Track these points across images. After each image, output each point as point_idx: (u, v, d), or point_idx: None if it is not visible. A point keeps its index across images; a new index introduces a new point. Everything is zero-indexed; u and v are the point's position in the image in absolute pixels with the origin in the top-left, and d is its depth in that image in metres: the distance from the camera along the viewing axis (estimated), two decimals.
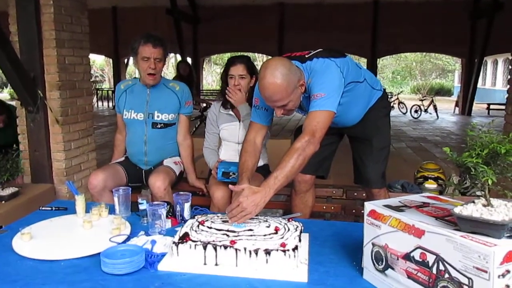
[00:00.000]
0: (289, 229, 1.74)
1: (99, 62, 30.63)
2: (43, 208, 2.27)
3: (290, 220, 1.86)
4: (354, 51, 15.44)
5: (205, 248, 1.58)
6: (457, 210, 1.30)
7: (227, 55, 29.94)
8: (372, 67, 15.91)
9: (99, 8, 15.07)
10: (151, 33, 2.72)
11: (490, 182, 1.20)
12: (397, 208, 1.53)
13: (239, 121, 2.78)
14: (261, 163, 2.83)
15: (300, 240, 1.66)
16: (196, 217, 1.90)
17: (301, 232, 1.75)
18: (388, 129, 2.53)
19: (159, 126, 2.82)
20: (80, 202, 2.10)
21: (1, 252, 1.71)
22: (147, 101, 2.80)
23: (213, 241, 1.61)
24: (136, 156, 2.88)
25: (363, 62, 20.13)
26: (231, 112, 2.81)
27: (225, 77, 2.77)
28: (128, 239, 1.83)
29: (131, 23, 15.68)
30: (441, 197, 1.69)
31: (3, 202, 2.98)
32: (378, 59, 17.31)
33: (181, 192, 2.13)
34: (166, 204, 2.03)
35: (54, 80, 3.50)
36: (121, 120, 2.95)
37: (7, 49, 3.12)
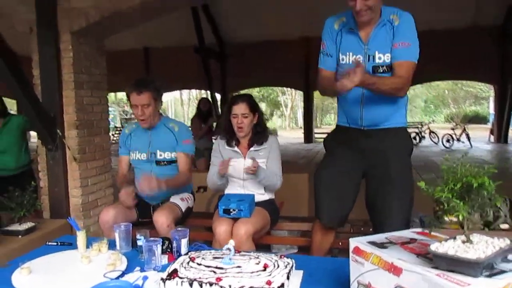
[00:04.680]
0: (278, 266, 1.73)
1: None
2: (49, 243, 2.35)
3: (282, 257, 1.84)
4: None
5: (191, 285, 1.59)
6: (434, 247, 1.27)
7: (256, 90, 30.50)
8: None
9: (131, 49, 15.79)
10: (140, 78, 2.86)
11: (460, 217, 1.17)
12: (381, 245, 1.50)
13: (244, 157, 2.80)
14: (266, 197, 2.83)
15: (288, 278, 1.64)
16: (190, 253, 1.91)
17: (291, 269, 1.72)
18: (411, 171, 2.41)
19: (163, 164, 2.93)
20: (81, 237, 2.15)
21: (2, 285, 1.77)
22: (149, 142, 2.92)
23: (200, 278, 1.61)
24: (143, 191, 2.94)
25: None
26: (236, 149, 2.85)
27: (228, 115, 2.82)
28: (122, 274, 1.86)
29: (162, 62, 16.29)
30: (434, 233, 1.64)
31: (20, 236, 3.07)
32: None
33: (179, 228, 2.16)
34: (161, 240, 2.06)
35: (72, 119, 3.68)
36: (124, 163, 3.06)
37: (28, 91, 3.33)
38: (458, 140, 15.08)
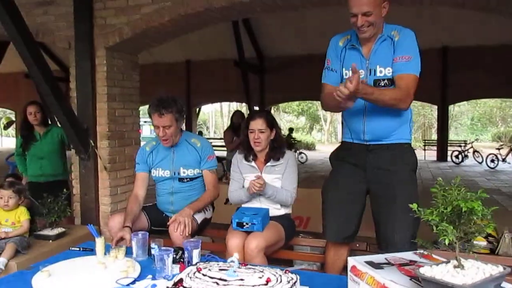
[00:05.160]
0: (281, 281, 1.74)
1: None
2: (72, 248, 2.47)
3: (288, 272, 1.85)
4: (424, 97, 15.01)
5: None
6: (423, 270, 1.26)
7: (296, 103, 30.53)
8: (443, 114, 15.29)
9: (174, 62, 16.27)
10: (162, 98, 2.82)
11: (446, 241, 1.16)
12: (378, 265, 1.50)
13: (261, 172, 2.84)
14: (282, 212, 2.85)
15: None
16: (198, 263, 1.96)
17: (294, 284, 1.73)
18: (416, 187, 2.39)
19: (186, 180, 2.97)
20: (99, 244, 2.25)
21: (25, 287, 1.89)
22: (172, 159, 2.97)
23: None
24: (163, 205, 3.04)
25: (434, 109, 19.40)
26: (253, 164, 2.89)
27: (245, 130, 2.88)
28: (134, 282, 1.93)
29: (203, 74, 16.66)
30: (435, 256, 1.62)
31: (50, 241, 3.25)
32: (450, 106, 16.60)
33: (192, 239, 2.22)
34: (174, 250, 2.12)
35: (104, 130, 3.87)
36: (140, 181, 3.01)
37: (63, 104, 3.54)
38: (504, 160, 14.40)
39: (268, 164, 2.85)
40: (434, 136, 22.74)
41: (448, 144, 16.18)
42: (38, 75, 3.33)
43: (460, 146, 15.98)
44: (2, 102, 20.04)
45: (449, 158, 15.60)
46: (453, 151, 15.46)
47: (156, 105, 2.77)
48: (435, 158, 16.10)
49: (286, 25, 13.84)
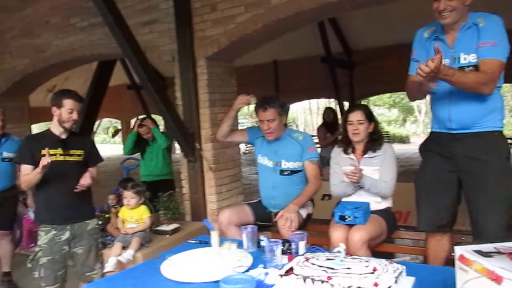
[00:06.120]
0: (387, 271, 1.82)
1: None
2: (189, 241, 2.76)
3: (393, 262, 1.92)
4: None
5: (304, 281, 1.78)
6: None
7: (387, 96, 29.40)
8: None
9: (261, 63, 16.66)
10: (265, 95, 3.11)
11: None
12: (486, 254, 1.51)
13: (359, 164, 2.91)
14: (383, 205, 2.89)
15: (396, 282, 1.72)
16: (305, 254, 2.11)
17: (400, 274, 1.79)
18: (510, 176, 2.32)
19: (286, 173, 3.15)
20: (214, 237, 2.50)
21: (154, 273, 2.20)
22: (275, 151, 3.18)
23: (312, 275, 1.79)
24: (266, 200, 3.25)
25: None
26: (352, 156, 2.97)
27: (344, 124, 2.98)
28: (247, 270, 2.13)
29: (290, 74, 16.84)
30: None
31: (167, 235, 3.63)
32: None
33: (298, 232, 2.37)
34: (282, 242, 2.29)
35: (208, 134, 4.20)
36: (241, 132, 3.50)
37: (172, 111, 3.93)
38: None
39: (366, 155, 2.91)
40: None
41: None
42: (150, 87, 3.74)
43: None
44: (109, 113, 22.01)
45: None
46: None
47: (261, 101, 3.07)
48: None
49: (371, 16, 13.45)
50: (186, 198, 4.34)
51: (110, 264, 3.07)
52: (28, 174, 2.74)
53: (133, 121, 20.92)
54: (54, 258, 2.79)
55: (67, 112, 2.79)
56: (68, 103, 2.79)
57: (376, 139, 2.93)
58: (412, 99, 2.60)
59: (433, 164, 2.48)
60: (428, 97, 2.53)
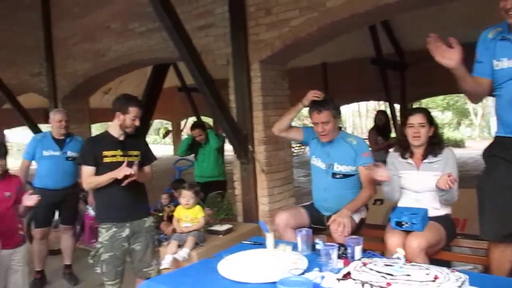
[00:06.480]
0: (449, 279, 1.77)
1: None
2: (244, 242, 2.81)
3: (455, 271, 1.87)
4: None
5: (362, 286, 1.77)
6: None
7: (440, 98, 28.34)
8: None
9: (309, 66, 16.58)
10: (320, 99, 3.13)
11: None
12: None
13: (417, 170, 2.85)
14: (441, 212, 2.81)
15: None
16: (362, 259, 2.10)
17: (463, 284, 1.74)
18: None
19: (338, 176, 3.13)
20: (269, 238, 2.53)
21: (210, 272, 2.26)
22: (328, 154, 3.17)
23: (370, 281, 1.78)
24: (318, 202, 3.24)
25: None
26: (410, 161, 2.90)
27: (402, 128, 2.91)
28: (303, 272, 2.14)
29: (339, 76, 16.65)
30: None
31: (221, 236, 3.70)
32: None
33: (354, 237, 2.36)
34: (338, 246, 2.28)
35: (261, 136, 4.25)
36: (297, 129, 3.45)
37: (226, 113, 4.01)
38: None
39: (426, 160, 2.83)
40: None
41: None
42: (206, 90, 3.85)
43: None
44: (160, 114, 22.68)
45: None
46: None
47: (315, 104, 3.09)
48: None
49: (425, 16, 13.04)
50: (238, 199, 4.41)
51: (166, 261, 3.18)
52: (97, 177, 2.89)
53: (183, 123, 21.48)
54: (115, 254, 2.92)
55: (131, 119, 2.94)
56: (133, 110, 2.94)
57: (437, 143, 2.84)
58: (471, 98, 2.52)
59: (499, 170, 2.38)
60: (489, 100, 2.45)
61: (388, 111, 12.01)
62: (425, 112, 2.89)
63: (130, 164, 2.86)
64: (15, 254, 2.94)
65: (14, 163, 2.95)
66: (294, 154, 15.44)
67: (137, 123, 2.97)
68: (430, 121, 2.86)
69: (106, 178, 2.85)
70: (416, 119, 2.83)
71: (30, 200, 2.90)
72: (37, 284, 4.10)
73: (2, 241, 2.57)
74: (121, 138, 2.99)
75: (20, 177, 3.34)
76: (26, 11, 6.93)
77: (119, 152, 2.93)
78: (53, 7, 6.66)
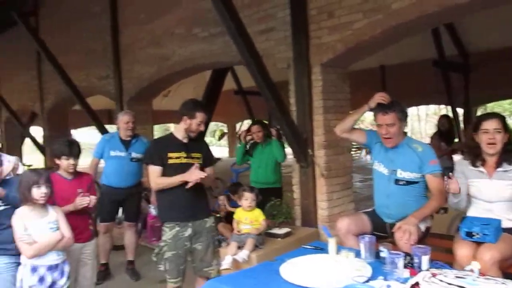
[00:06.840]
0: None
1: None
2: (305, 246, 2.81)
3: None
4: None
5: None
6: None
7: (507, 102, 26.75)
8: None
9: (367, 68, 16.23)
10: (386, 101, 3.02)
11: None
12: None
13: (490, 178, 2.70)
14: (510, 224, 2.65)
15: None
16: (430, 269, 2.03)
17: None
18: None
19: (401, 183, 3.01)
20: (332, 244, 2.51)
21: (271, 275, 2.29)
22: (391, 159, 3.06)
23: None
24: (380, 208, 3.15)
25: None
26: (481, 169, 2.75)
27: (470, 134, 2.77)
28: (367, 280, 2.10)
29: (398, 78, 16.17)
30: None
31: (279, 239, 3.71)
32: None
33: (420, 246, 2.29)
34: (404, 255, 2.22)
35: (321, 140, 4.22)
36: (360, 131, 3.37)
37: (287, 117, 4.02)
38: None
39: (500, 169, 2.68)
40: None
41: None
42: (268, 94, 3.88)
43: None
44: (217, 116, 23.08)
45: None
46: None
47: (381, 105, 3.01)
48: None
49: (492, 16, 12.36)
50: (297, 203, 4.40)
51: (226, 262, 3.23)
52: (167, 178, 2.98)
53: (238, 126, 21.71)
54: (178, 253, 3.01)
55: (197, 123, 3.04)
56: (200, 116, 3.03)
57: (511, 150, 2.69)
58: None
59: None
60: None
61: (451, 115, 11.49)
62: (501, 117, 2.73)
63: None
64: (86, 248, 3.10)
65: (80, 161, 3.14)
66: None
67: (202, 128, 3.06)
68: (505, 126, 2.70)
69: (177, 180, 2.94)
70: (491, 125, 2.68)
71: (82, 201, 2.96)
72: (101, 276, 4.28)
73: (74, 235, 2.72)
74: (185, 140, 3.08)
75: (91, 175, 3.54)
76: (96, 18, 7.34)
77: (183, 154, 3.02)
78: (120, 14, 6.98)
